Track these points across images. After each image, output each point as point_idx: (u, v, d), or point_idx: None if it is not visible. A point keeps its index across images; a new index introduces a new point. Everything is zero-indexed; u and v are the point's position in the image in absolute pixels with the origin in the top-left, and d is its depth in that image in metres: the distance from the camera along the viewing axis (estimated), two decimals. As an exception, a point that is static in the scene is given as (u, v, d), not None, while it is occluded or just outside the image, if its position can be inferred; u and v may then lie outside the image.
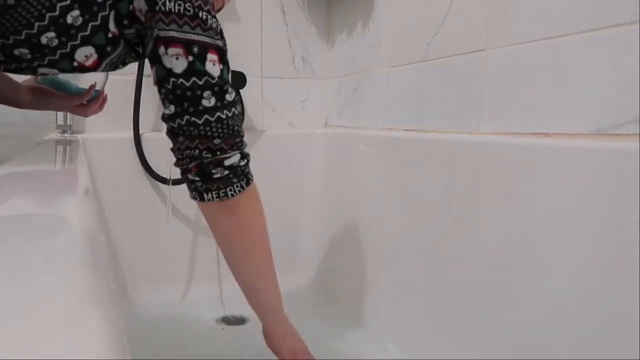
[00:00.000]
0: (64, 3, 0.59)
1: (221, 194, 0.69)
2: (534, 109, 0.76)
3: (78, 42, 0.62)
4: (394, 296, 1.01)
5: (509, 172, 0.75)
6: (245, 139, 0.71)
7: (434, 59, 0.99)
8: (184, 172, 0.70)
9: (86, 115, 0.93)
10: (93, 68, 0.66)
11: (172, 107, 0.65)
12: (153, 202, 1.26)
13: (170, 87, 0.64)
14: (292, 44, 1.42)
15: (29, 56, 0.62)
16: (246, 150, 0.71)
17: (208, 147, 0.66)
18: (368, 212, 1.13)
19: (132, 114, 1.22)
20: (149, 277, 1.24)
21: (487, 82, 0.85)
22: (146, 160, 1.22)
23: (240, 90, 1.32)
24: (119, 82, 1.25)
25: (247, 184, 0.71)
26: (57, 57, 0.63)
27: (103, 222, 1.18)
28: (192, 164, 0.68)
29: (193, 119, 0.65)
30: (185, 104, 0.64)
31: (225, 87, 0.66)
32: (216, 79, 0.65)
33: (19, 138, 1.18)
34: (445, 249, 0.87)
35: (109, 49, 0.65)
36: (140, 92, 1.23)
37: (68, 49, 0.62)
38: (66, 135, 1.22)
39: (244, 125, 1.35)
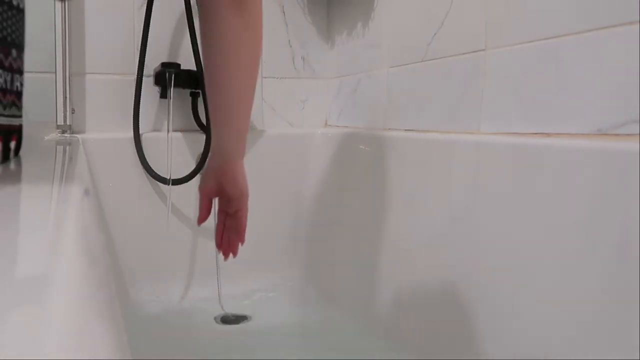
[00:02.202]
0: None
1: None
2: (534, 109, 0.76)
3: None
4: (393, 295, 1.01)
5: (509, 172, 0.75)
6: None
7: (434, 59, 0.99)
8: None
9: None
10: None
11: None
12: (153, 202, 1.26)
13: None
14: (292, 44, 1.42)
15: None
16: None
17: None
18: (368, 212, 1.13)
19: (132, 114, 1.22)
20: (149, 276, 1.24)
21: (487, 82, 0.85)
22: (146, 160, 1.22)
23: (240, 90, 1.32)
24: (119, 82, 1.26)
25: None
26: None
27: (103, 222, 1.18)
28: None
29: None
30: None
31: None
32: None
33: (19, 138, 1.17)
34: (445, 249, 0.87)
35: None
36: (140, 92, 1.23)
37: None
38: (66, 135, 1.22)
39: (244, 125, 1.35)
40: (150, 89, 1.26)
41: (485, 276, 0.78)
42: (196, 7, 1.22)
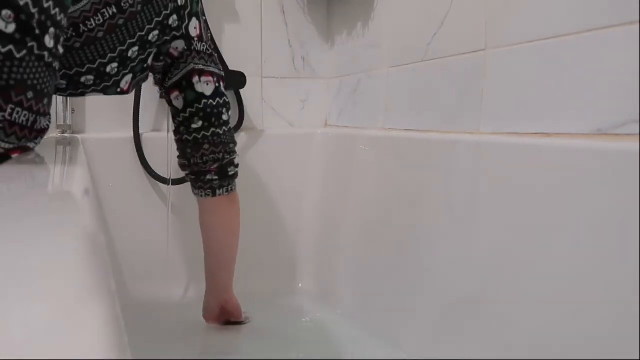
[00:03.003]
0: (131, 40, 0.74)
1: (229, 189, 0.92)
2: (534, 109, 0.76)
3: (127, 71, 0.76)
4: (393, 296, 1.01)
5: (509, 172, 0.75)
6: None
7: (434, 58, 0.99)
8: (202, 174, 0.89)
9: None
10: (127, 92, 0.80)
11: (200, 122, 0.85)
12: (153, 202, 1.26)
13: (201, 106, 0.85)
14: (292, 44, 1.42)
15: (91, 82, 0.74)
16: None
17: (226, 150, 0.88)
18: (368, 212, 1.13)
19: (132, 114, 1.22)
20: (149, 276, 1.24)
21: (487, 82, 0.85)
22: (146, 160, 1.22)
23: (240, 90, 1.32)
24: (119, 82, 1.25)
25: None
26: (110, 83, 0.76)
27: (103, 222, 1.18)
28: (215, 165, 0.88)
29: (217, 130, 0.86)
30: (213, 119, 0.86)
31: (229, 104, 0.90)
32: (227, 98, 0.89)
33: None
34: (445, 249, 0.87)
35: (139, 75, 0.80)
36: (140, 92, 1.23)
37: (120, 77, 0.76)
38: (66, 135, 1.22)
39: (244, 125, 1.35)
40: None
41: (485, 276, 0.78)
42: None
